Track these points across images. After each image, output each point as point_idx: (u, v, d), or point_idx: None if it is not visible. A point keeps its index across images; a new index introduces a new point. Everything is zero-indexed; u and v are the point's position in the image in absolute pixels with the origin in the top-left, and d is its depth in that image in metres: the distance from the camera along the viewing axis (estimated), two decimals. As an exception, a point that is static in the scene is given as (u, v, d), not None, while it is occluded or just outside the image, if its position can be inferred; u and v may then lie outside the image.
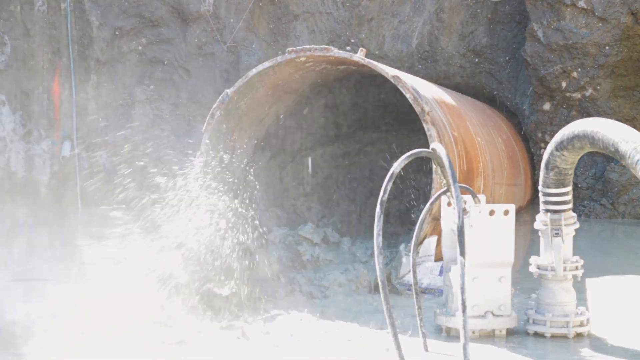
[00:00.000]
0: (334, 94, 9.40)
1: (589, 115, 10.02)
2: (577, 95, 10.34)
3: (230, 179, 7.48)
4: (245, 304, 6.22)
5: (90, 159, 10.59)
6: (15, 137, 10.54)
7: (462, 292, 4.26)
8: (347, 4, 11.18)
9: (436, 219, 6.47)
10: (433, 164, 5.47)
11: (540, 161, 8.54)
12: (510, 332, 5.40)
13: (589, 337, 5.38)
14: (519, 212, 8.52)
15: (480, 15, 11.19)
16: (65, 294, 6.33)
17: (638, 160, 4.30)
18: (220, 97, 7.34)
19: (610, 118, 7.39)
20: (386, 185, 4.39)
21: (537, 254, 5.53)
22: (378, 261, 4.34)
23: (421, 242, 6.82)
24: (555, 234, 5.35)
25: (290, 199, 8.91)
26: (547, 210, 5.39)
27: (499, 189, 8.69)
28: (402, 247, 7.11)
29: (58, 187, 10.32)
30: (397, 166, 4.48)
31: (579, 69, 10.23)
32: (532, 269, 5.51)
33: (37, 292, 6.59)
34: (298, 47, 7.21)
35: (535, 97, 10.56)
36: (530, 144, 10.91)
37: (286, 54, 7.19)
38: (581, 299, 5.91)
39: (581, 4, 10.12)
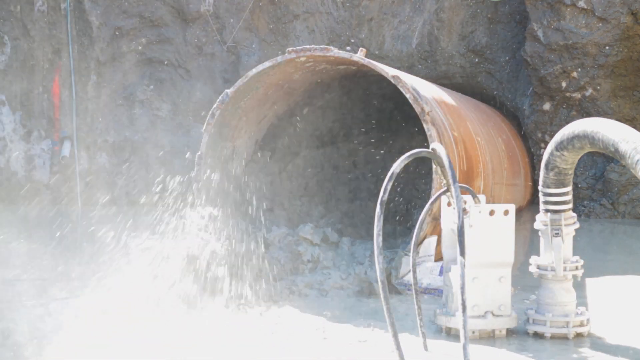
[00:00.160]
0: (334, 94, 9.40)
1: (589, 115, 10.02)
2: (577, 95, 10.34)
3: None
4: (245, 305, 6.23)
5: (90, 159, 10.59)
6: (15, 137, 10.54)
7: (462, 292, 4.26)
8: (347, 4, 11.17)
9: (436, 219, 6.47)
10: (433, 164, 5.47)
11: (540, 161, 8.54)
12: (510, 332, 5.41)
13: (589, 337, 5.38)
14: (519, 212, 8.52)
15: (480, 15, 11.19)
16: (65, 293, 6.33)
17: (638, 160, 4.30)
18: (220, 97, 7.34)
19: (610, 118, 7.38)
20: (386, 185, 4.39)
21: (537, 254, 5.53)
22: (378, 261, 4.34)
23: (421, 242, 6.82)
24: (555, 234, 5.36)
25: (290, 199, 8.91)
26: (547, 210, 5.39)
27: (499, 189, 8.68)
28: (401, 247, 7.12)
29: (58, 187, 10.32)
30: (397, 166, 4.48)
31: (579, 69, 10.23)
32: (532, 269, 5.51)
33: (37, 291, 6.60)
34: (298, 47, 7.21)
35: (535, 97, 10.55)
36: (530, 144, 10.90)
37: (286, 54, 7.19)
38: (581, 299, 5.91)
39: (581, 4, 10.11)
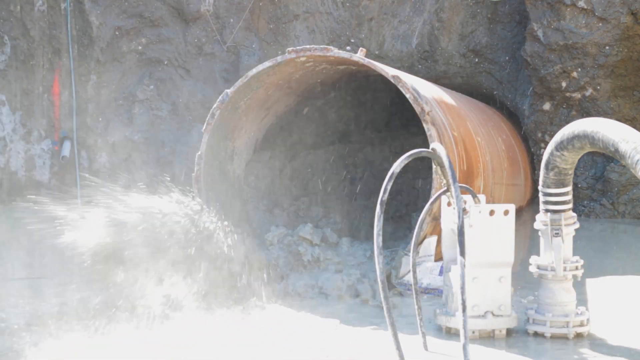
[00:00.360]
0: (334, 94, 9.40)
1: (589, 115, 10.01)
2: (577, 95, 10.34)
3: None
4: (245, 305, 6.23)
5: (90, 159, 10.58)
6: (15, 137, 10.54)
7: (462, 292, 4.26)
8: (347, 4, 11.17)
9: (436, 219, 6.47)
10: (433, 164, 5.47)
11: (540, 161, 8.54)
12: (510, 332, 5.41)
13: (589, 337, 5.38)
14: (519, 212, 8.52)
15: (480, 15, 11.19)
16: (65, 292, 6.33)
17: (638, 160, 4.30)
18: (220, 97, 7.34)
19: (610, 118, 7.38)
20: (386, 185, 4.39)
21: (537, 254, 5.53)
22: (378, 261, 4.34)
23: (421, 242, 6.82)
24: (555, 234, 5.36)
25: (289, 199, 8.91)
26: (547, 210, 5.39)
27: (499, 189, 8.69)
28: (401, 247, 7.12)
29: (58, 187, 10.31)
30: (397, 166, 4.48)
31: (579, 69, 10.23)
32: (532, 269, 5.51)
33: (37, 290, 6.60)
34: (298, 47, 7.21)
35: (535, 97, 10.55)
36: (530, 144, 10.90)
37: (286, 54, 7.19)
38: (581, 299, 5.91)
39: (581, 4, 10.11)
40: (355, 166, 9.92)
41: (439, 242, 6.54)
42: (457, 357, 4.65)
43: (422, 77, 9.74)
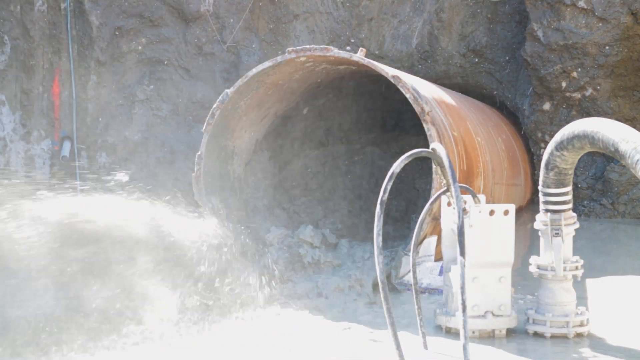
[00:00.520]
0: (334, 94, 9.40)
1: (589, 115, 10.02)
2: (577, 95, 10.34)
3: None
4: (245, 305, 6.23)
5: (90, 159, 10.59)
6: (15, 137, 10.54)
7: (462, 292, 4.26)
8: (347, 4, 11.18)
9: (436, 219, 6.47)
10: (433, 164, 5.47)
11: (540, 161, 8.54)
12: (510, 332, 5.40)
13: (589, 337, 5.38)
14: (519, 212, 8.52)
15: (480, 15, 11.19)
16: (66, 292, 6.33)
17: (638, 160, 4.30)
18: (220, 97, 7.34)
19: (610, 118, 7.38)
20: (386, 185, 4.39)
21: (537, 254, 5.53)
22: (378, 261, 4.34)
23: (421, 242, 6.82)
24: (555, 234, 5.35)
25: (289, 199, 8.91)
26: (547, 210, 5.39)
27: (499, 189, 8.69)
28: (401, 247, 7.12)
29: (58, 187, 10.31)
30: (397, 166, 4.48)
31: (579, 69, 10.23)
32: (532, 269, 5.51)
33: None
34: (298, 47, 7.21)
35: (535, 97, 10.56)
36: (530, 144, 10.91)
37: (286, 54, 7.19)
38: (581, 299, 5.91)
39: (581, 4, 10.12)
40: (355, 166, 9.92)
41: (439, 242, 6.54)
42: (457, 357, 4.64)
43: (422, 77, 9.74)
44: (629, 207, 10.26)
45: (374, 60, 8.13)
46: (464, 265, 4.31)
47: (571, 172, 5.29)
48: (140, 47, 10.79)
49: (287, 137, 9.05)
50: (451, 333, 5.35)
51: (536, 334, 5.39)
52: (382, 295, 4.33)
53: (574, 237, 5.46)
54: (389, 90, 8.29)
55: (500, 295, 5.33)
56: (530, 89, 10.65)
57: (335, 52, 7.09)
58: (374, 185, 9.47)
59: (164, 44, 10.83)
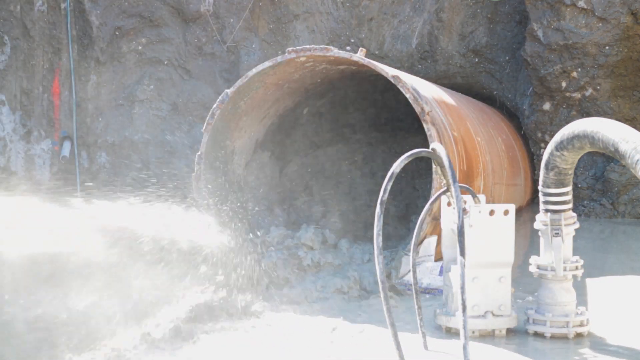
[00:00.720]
0: (333, 94, 9.40)
1: (589, 115, 10.02)
2: (577, 95, 10.34)
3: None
4: (245, 305, 6.23)
5: (90, 159, 10.59)
6: (15, 137, 10.54)
7: (462, 292, 4.25)
8: (347, 4, 11.18)
9: (436, 219, 6.47)
10: (433, 164, 5.47)
11: (540, 161, 8.54)
12: (510, 332, 5.40)
13: (589, 337, 5.38)
14: (519, 212, 8.52)
15: (480, 15, 11.19)
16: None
17: (638, 160, 4.30)
18: (220, 97, 7.34)
19: (610, 118, 7.39)
20: (386, 185, 4.39)
21: (537, 254, 5.53)
22: (378, 261, 4.34)
23: (421, 242, 6.82)
24: (555, 234, 5.35)
25: (289, 199, 8.91)
26: (547, 210, 5.39)
27: (499, 189, 8.69)
28: (401, 247, 7.12)
29: (58, 187, 10.32)
30: (396, 166, 4.48)
31: (579, 69, 10.23)
32: (532, 269, 5.51)
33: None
34: (298, 47, 7.21)
35: (535, 97, 10.56)
36: (530, 144, 10.91)
37: (286, 54, 7.19)
38: (581, 299, 5.91)
39: (581, 4, 10.11)
40: (355, 166, 9.92)
41: (439, 242, 6.54)
42: (457, 357, 4.64)
43: (422, 77, 9.75)
44: (629, 207, 10.26)
45: (374, 60, 8.13)
46: (464, 265, 4.30)
47: (571, 172, 5.29)
48: (140, 47, 10.79)
49: (287, 137, 9.05)
50: (451, 333, 5.35)
51: (536, 334, 5.39)
52: (382, 295, 4.33)
53: (574, 237, 5.46)
54: (389, 90, 8.29)
55: (500, 295, 5.33)
56: (530, 89, 10.65)
57: (335, 52, 7.09)
58: (374, 185, 9.48)
59: (164, 44, 10.83)
